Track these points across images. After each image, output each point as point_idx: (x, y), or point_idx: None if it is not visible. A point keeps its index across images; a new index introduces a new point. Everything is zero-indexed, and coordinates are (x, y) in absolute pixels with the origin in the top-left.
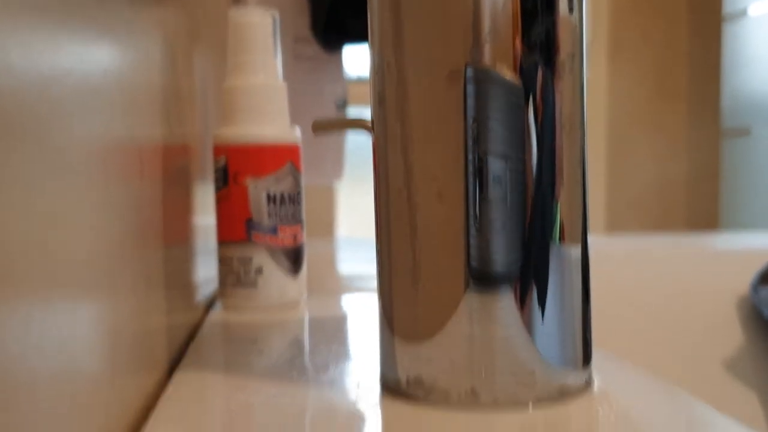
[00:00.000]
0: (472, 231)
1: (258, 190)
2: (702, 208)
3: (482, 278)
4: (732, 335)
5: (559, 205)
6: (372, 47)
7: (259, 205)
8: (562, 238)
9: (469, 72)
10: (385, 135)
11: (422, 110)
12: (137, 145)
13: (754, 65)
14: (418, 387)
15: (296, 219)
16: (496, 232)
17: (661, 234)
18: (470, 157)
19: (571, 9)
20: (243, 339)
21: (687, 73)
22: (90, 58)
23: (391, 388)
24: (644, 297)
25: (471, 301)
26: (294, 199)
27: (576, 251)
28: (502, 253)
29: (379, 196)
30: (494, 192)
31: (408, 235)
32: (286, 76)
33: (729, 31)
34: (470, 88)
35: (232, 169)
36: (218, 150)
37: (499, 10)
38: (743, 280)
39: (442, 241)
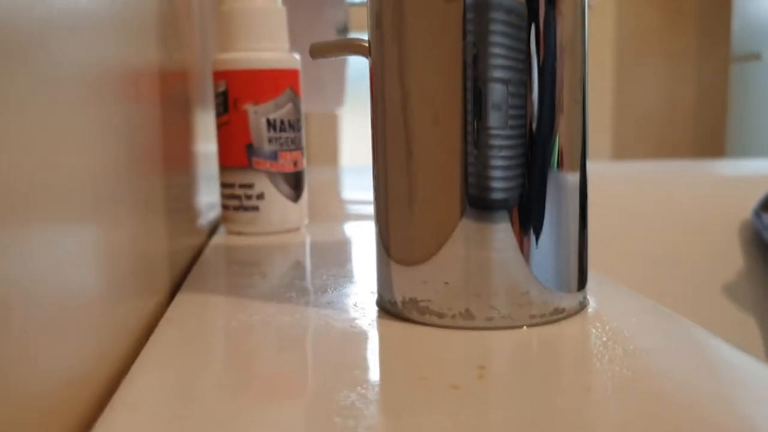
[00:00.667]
0: (470, 156)
1: (258, 116)
2: (709, 133)
3: (478, 203)
4: (733, 259)
5: (558, 131)
6: None
7: (260, 131)
8: (560, 164)
9: None
10: (382, 58)
11: (419, 32)
12: (132, 69)
13: None
14: (413, 308)
15: (297, 145)
16: (492, 157)
17: (665, 160)
18: (468, 80)
19: None
20: (244, 262)
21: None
22: None
23: (387, 309)
24: (646, 221)
25: (467, 225)
26: (294, 125)
27: (574, 178)
28: (498, 179)
29: (376, 120)
30: (492, 117)
31: (404, 160)
32: (286, 0)
33: None
34: (468, 10)
35: (232, 95)
36: (218, 75)
37: None
38: (746, 206)
39: (438, 166)
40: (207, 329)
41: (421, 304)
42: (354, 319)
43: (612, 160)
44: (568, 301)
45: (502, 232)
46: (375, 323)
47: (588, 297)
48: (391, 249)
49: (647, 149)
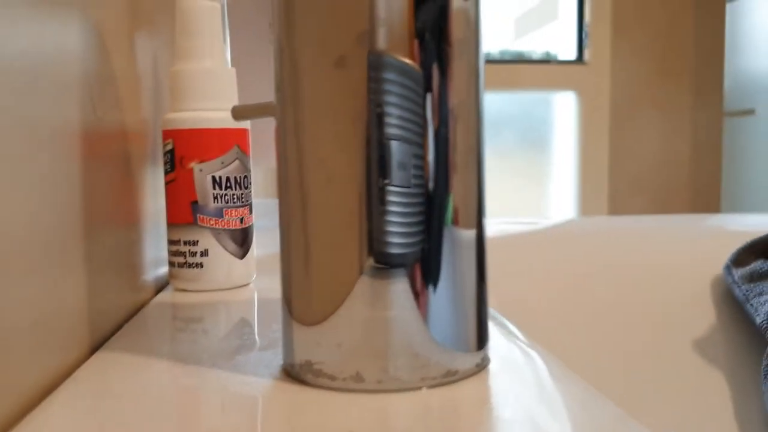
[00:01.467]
0: (364, 215)
1: (203, 173)
2: (705, 188)
3: (375, 262)
4: (703, 315)
5: (452, 190)
6: (272, 32)
7: (204, 189)
8: (455, 222)
9: (358, 57)
10: (283, 120)
11: (313, 95)
12: (50, 128)
13: (757, 45)
14: (308, 370)
15: (243, 202)
16: (387, 216)
17: (660, 214)
18: (359, 141)
19: None
20: (178, 319)
21: (690, 53)
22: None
23: (288, 371)
24: (617, 274)
25: (363, 285)
26: (241, 182)
27: (470, 234)
28: (395, 239)
29: (280, 181)
30: (394, 176)
31: (300, 222)
32: (258, 59)
33: (732, 11)
34: (358, 73)
35: (179, 153)
36: (166, 134)
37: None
38: (720, 261)
39: (333, 226)
40: (102, 390)
41: (315, 366)
42: (252, 383)
43: (608, 214)
44: (464, 362)
45: (398, 291)
46: (270, 387)
47: (490, 357)
48: (292, 309)
49: (643, 202)
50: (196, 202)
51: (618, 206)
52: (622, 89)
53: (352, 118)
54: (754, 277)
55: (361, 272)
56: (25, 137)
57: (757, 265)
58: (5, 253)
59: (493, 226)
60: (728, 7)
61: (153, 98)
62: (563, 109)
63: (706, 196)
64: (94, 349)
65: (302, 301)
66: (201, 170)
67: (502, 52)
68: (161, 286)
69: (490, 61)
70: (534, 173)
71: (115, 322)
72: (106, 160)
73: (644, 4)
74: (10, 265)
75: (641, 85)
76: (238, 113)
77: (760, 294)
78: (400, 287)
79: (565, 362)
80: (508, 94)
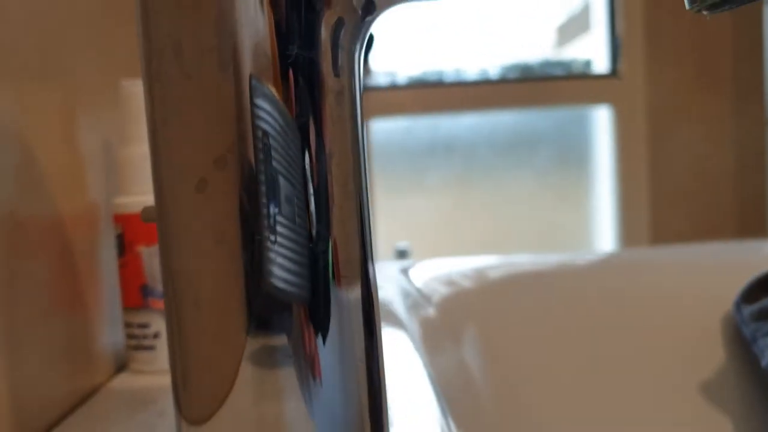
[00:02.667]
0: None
1: (151, 257)
2: (749, 198)
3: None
4: (712, 355)
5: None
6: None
7: (153, 272)
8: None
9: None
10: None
11: (173, 218)
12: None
13: None
14: None
15: None
16: (265, 277)
17: (703, 240)
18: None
19: (337, 74)
20: (130, 403)
21: (729, 59)
22: None
23: None
24: (626, 310)
25: (246, 372)
26: None
27: (355, 294)
28: (273, 299)
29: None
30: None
31: (175, 311)
32: None
33: None
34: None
35: (128, 237)
36: (116, 218)
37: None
38: (731, 296)
39: (209, 306)
40: None
41: None
42: None
43: (650, 240)
44: None
45: (283, 376)
46: None
47: None
48: (180, 404)
49: (685, 219)
50: (146, 285)
51: (659, 222)
52: (659, 101)
53: (215, 239)
54: (762, 315)
55: (242, 356)
56: None
57: (766, 302)
58: None
59: (500, 266)
60: (766, 10)
61: (104, 182)
62: (599, 123)
63: (752, 206)
64: None
65: (186, 396)
66: (149, 254)
67: (542, 63)
68: (121, 367)
69: (519, 79)
70: (571, 191)
71: (65, 407)
72: (43, 248)
73: (678, 12)
74: None
75: (678, 95)
76: (147, 215)
77: None
78: (285, 371)
79: (569, 403)
80: (540, 111)
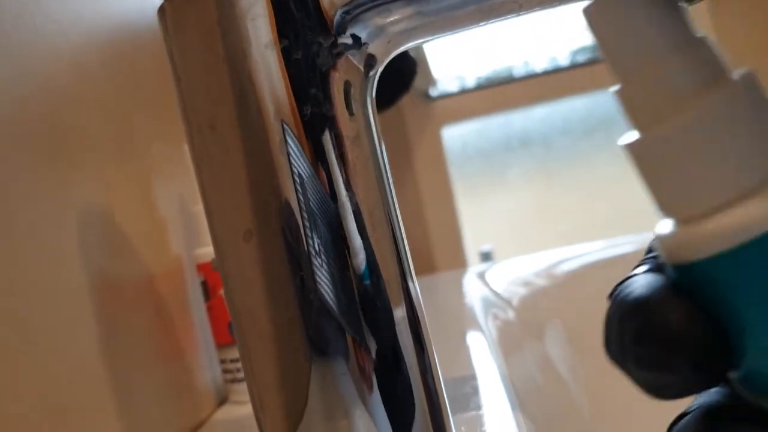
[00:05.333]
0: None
1: None
2: None
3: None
4: None
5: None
6: None
7: None
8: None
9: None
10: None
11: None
12: (111, 283)
13: None
14: None
15: None
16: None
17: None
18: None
19: (352, 121)
20: None
21: None
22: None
23: None
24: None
25: (314, 400)
26: None
27: (400, 311)
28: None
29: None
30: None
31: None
32: None
33: None
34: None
35: (210, 283)
36: (198, 268)
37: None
38: None
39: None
40: None
41: None
42: None
43: None
44: None
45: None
46: None
47: None
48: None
49: None
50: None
51: None
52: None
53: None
54: None
55: (308, 381)
56: (83, 286)
57: None
58: (63, 401)
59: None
60: None
61: (185, 236)
62: None
63: None
64: None
65: (266, 421)
66: None
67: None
68: (222, 400)
69: (587, 63)
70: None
71: None
72: (139, 304)
73: None
74: (69, 409)
75: (749, 55)
76: (215, 263)
77: None
78: (348, 390)
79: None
80: (596, 95)
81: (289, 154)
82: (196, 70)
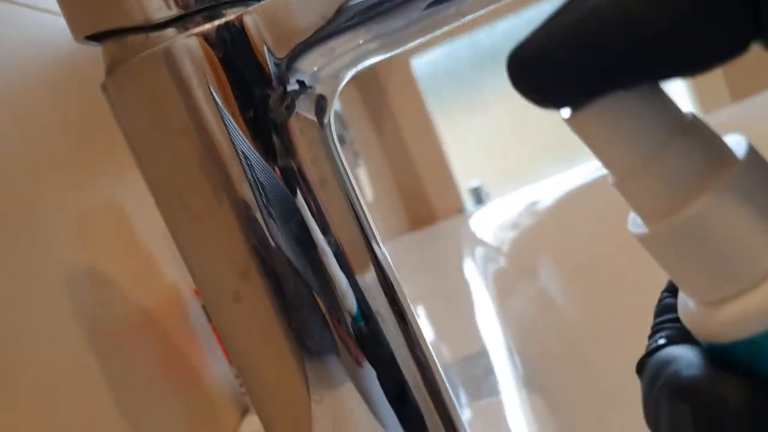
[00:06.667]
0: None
1: None
2: None
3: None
4: None
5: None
6: None
7: None
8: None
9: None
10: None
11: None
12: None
13: None
14: None
15: None
16: None
17: None
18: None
19: (316, 165)
20: None
21: None
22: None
23: None
24: None
25: (320, 412)
26: None
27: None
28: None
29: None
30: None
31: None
32: None
33: None
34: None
35: None
36: (196, 292)
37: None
38: None
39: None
40: None
41: None
42: None
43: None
44: None
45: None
46: None
47: None
48: None
49: None
50: None
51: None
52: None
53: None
54: None
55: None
56: (82, 340)
57: None
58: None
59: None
60: None
61: (175, 262)
62: None
63: None
64: None
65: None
66: None
67: None
68: (245, 410)
69: None
70: None
71: None
72: (142, 338)
73: None
74: None
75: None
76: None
77: None
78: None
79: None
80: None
81: (258, 215)
82: (152, 145)
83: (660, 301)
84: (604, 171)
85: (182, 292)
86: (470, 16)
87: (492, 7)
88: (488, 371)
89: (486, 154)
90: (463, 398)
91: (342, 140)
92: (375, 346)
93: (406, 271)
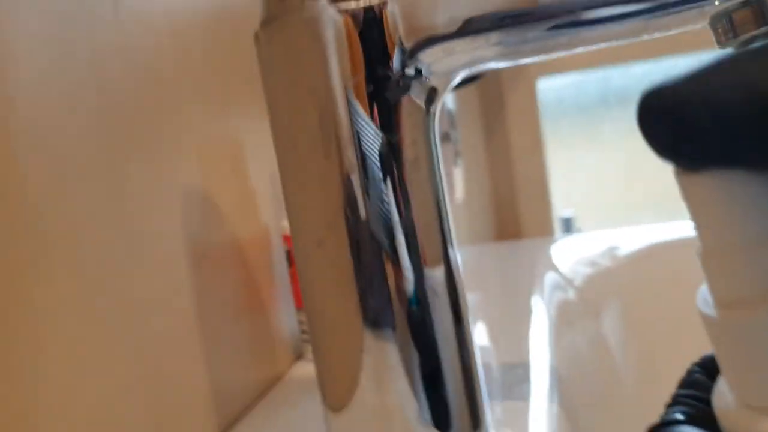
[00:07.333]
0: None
1: None
2: None
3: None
4: None
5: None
6: None
7: None
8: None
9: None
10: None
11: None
12: (206, 245)
13: None
14: None
15: None
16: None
17: None
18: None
19: (413, 147)
20: (298, 391)
21: None
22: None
23: None
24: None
25: (368, 372)
26: None
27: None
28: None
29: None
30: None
31: (314, 328)
32: None
33: None
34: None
35: (292, 252)
36: (284, 238)
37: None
38: None
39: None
40: None
41: None
42: None
43: None
44: None
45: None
46: None
47: None
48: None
49: None
50: None
51: None
52: None
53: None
54: None
55: (361, 361)
56: (182, 256)
57: None
58: (159, 351)
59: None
60: None
61: (274, 208)
62: None
63: None
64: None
65: (326, 390)
66: None
67: None
68: (299, 355)
69: None
70: None
71: (256, 392)
72: (228, 266)
73: None
74: (164, 356)
75: None
76: None
77: None
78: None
79: None
80: (699, 55)
81: (355, 173)
82: (283, 95)
83: (689, 373)
84: (694, 236)
85: (271, 235)
86: (582, 48)
87: (611, 44)
88: (524, 380)
89: (587, 189)
90: (495, 396)
91: (447, 137)
92: (423, 328)
93: (480, 276)
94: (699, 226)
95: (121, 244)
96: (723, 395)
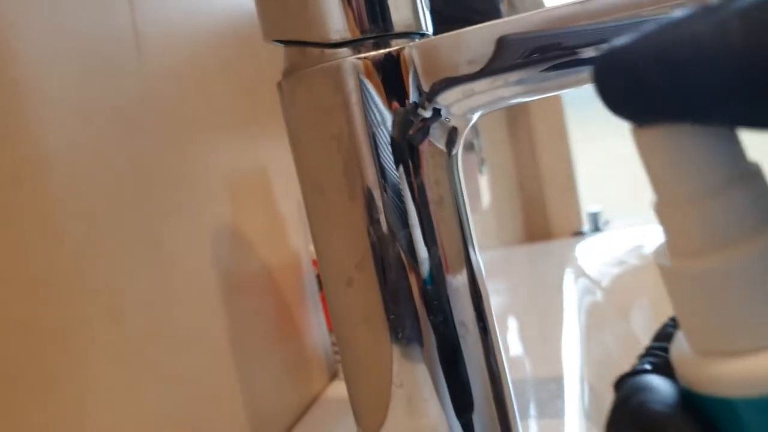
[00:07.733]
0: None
1: None
2: None
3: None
4: None
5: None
6: None
7: None
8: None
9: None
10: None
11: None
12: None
13: None
14: None
15: None
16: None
17: None
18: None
19: (437, 187)
20: (334, 411)
21: None
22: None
23: None
24: None
25: (399, 402)
26: None
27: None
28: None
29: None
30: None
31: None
32: None
33: None
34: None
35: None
36: (314, 262)
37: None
38: None
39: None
40: None
41: None
42: None
43: None
44: None
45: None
46: None
47: None
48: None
49: None
50: None
51: None
52: None
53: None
54: None
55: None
56: (217, 289)
57: None
58: (196, 377)
59: None
60: None
61: (302, 234)
62: None
63: None
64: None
65: (356, 411)
66: None
67: None
68: (333, 375)
69: None
70: None
71: (294, 414)
72: (261, 292)
73: None
74: (201, 382)
75: None
76: None
77: None
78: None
79: None
80: None
81: (380, 214)
82: (308, 140)
83: (663, 326)
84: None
85: (301, 259)
86: None
87: None
88: (557, 395)
89: (616, 183)
90: (529, 413)
91: (470, 146)
92: (455, 362)
93: (510, 281)
94: (653, 179)
95: (157, 287)
96: (680, 343)
